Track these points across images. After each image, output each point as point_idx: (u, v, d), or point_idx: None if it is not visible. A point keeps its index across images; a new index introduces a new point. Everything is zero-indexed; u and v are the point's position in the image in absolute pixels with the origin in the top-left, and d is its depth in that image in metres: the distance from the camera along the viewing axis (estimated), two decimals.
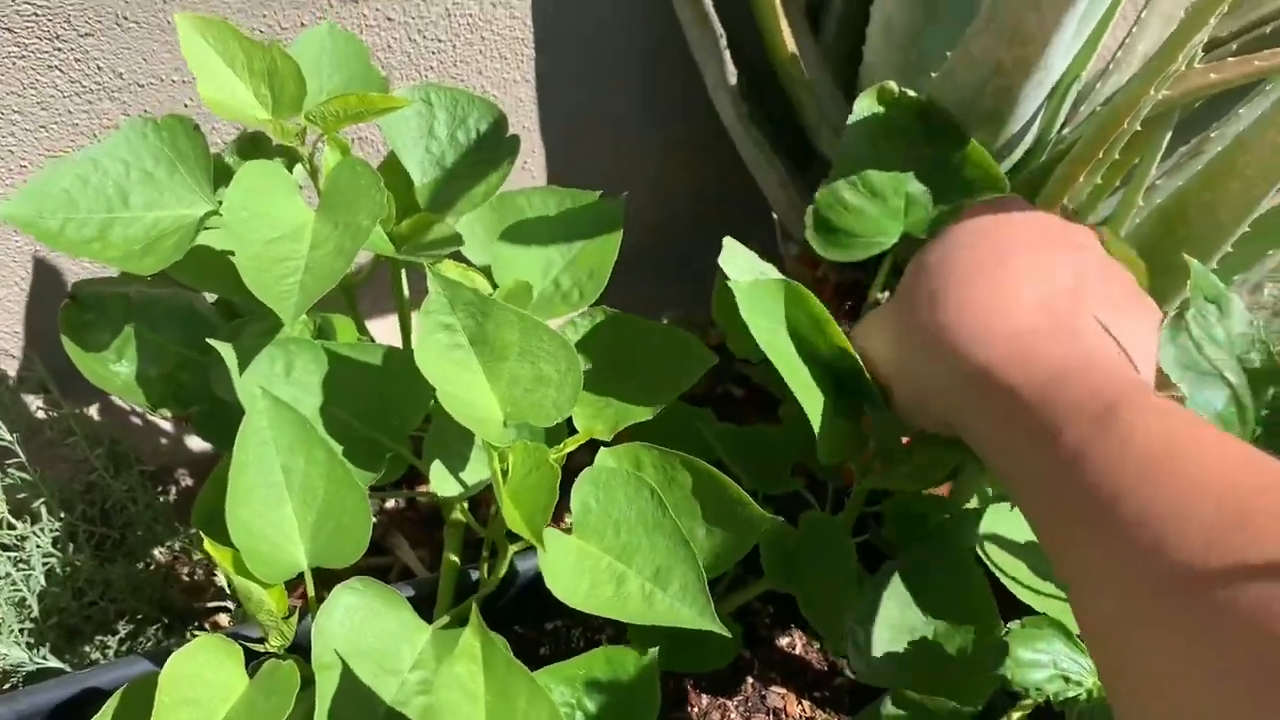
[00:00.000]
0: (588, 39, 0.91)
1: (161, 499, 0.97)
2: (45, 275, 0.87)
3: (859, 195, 0.66)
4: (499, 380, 0.57)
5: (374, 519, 0.59)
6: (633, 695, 0.59)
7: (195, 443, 0.99)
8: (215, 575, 0.98)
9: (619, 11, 0.90)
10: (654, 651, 0.60)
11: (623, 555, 0.57)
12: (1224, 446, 0.44)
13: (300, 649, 0.58)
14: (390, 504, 1.00)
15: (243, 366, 0.61)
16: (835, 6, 0.87)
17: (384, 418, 0.62)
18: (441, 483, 0.62)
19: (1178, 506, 0.40)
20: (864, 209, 0.67)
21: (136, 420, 0.98)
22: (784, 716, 0.77)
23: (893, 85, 0.65)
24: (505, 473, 0.56)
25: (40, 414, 0.88)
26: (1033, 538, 0.59)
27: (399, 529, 1.00)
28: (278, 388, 0.61)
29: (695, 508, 0.59)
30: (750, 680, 0.79)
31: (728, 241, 0.60)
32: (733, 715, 0.77)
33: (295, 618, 0.57)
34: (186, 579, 0.98)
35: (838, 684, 0.80)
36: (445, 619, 0.61)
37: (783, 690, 0.79)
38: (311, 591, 0.58)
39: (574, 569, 0.57)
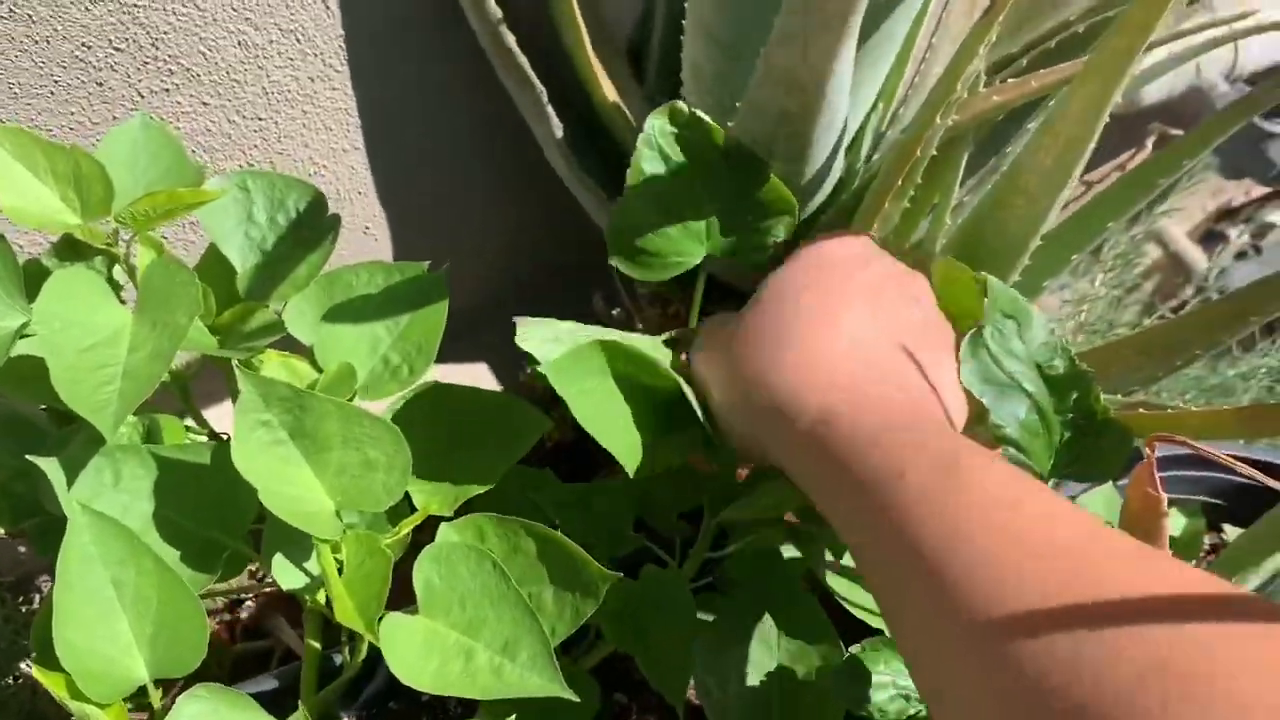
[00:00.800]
0: (420, 105, 0.91)
1: (24, 609, 0.94)
2: None
3: (655, 213, 0.68)
4: (325, 471, 0.57)
5: (250, 601, 0.58)
6: None
7: None
8: None
9: (452, 76, 0.91)
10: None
11: (470, 630, 0.57)
12: (1053, 503, 0.46)
13: None
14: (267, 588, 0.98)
15: (71, 479, 0.60)
16: (653, 52, 0.89)
17: (219, 516, 0.61)
18: (285, 575, 0.61)
19: (1015, 555, 0.42)
20: (664, 229, 0.68)
21: None
22: None
23: (683, 106, 0.67)
24: (341, 565, 0.56)
25: None
26: None
27: (278, 609, 0.99)
28: (106, 497, 0.60)
29: (541, 572, 0.60)
30: None
31: (518, 321, 0.61)
32: None
33: None
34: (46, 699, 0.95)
35: None
36: (302, 715, 0.60)
37: None
38: (157, 703, 0.57)
39: (422, 648, 0.57)
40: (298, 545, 0.62)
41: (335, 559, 0.57)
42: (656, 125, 0.67)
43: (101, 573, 0.56)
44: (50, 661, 0.55)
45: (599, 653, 0.67)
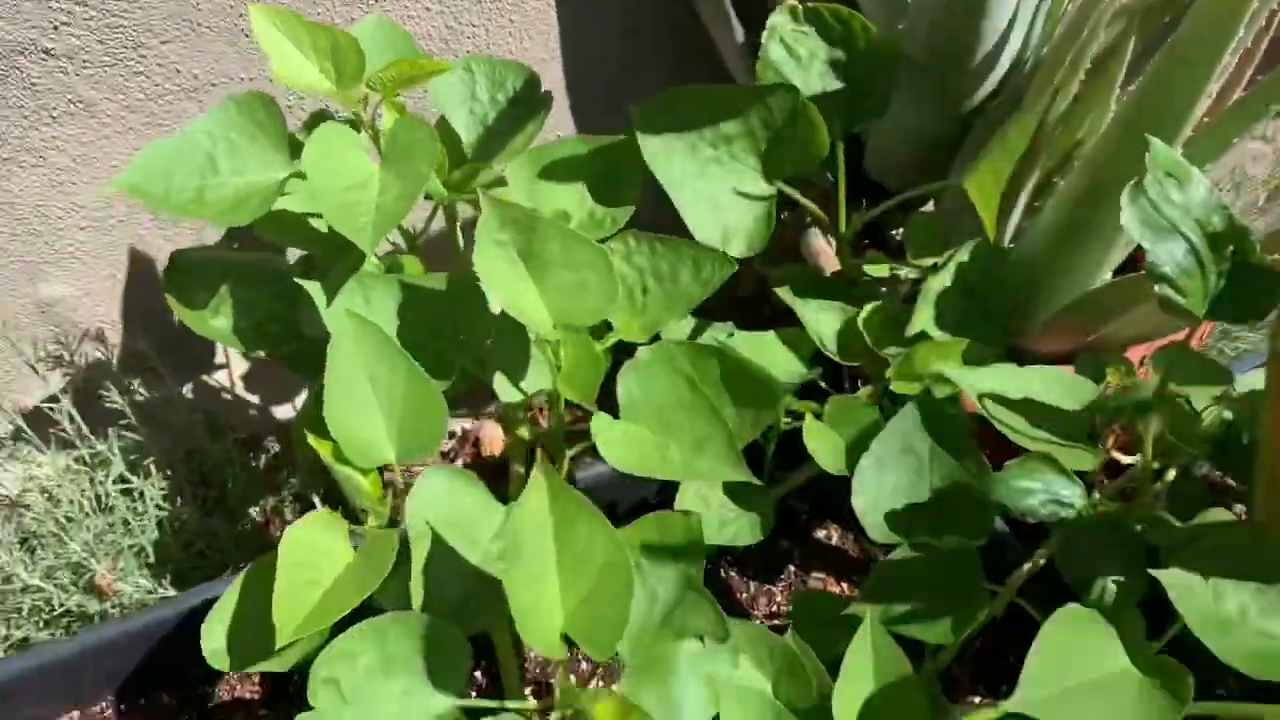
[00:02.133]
0: (610, 17, 1.00)
1: (254, 463, 1.07)
2: (140, 264, 0.98)
3: None
4: (546, 287, 0.67)
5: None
6: (682, 555, 0.67)
7: (281, 411, 1.10)
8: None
9: None
10: (697, 516, 0.68)
11: (665, 432, 0.66)
12: None
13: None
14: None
15: (328, 302, 0.71)
16: None
17: (452, 335, 0.72)
18: (505, 390, 0.71)
19: None
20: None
21: (227, 396, 1.09)
22: None
23: (798, 5, 0.75)
24: (558, 368, 0.65)
25: (141, 393, 0.98)
26: (1029, 394, 0.68)
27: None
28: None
29: (723, 391, 0.68)
30: (792, 569, 0.87)
31: None
32: (778, 598, 0.85)
33: (389, 499, 0.66)
34: (278, 536, 1.08)
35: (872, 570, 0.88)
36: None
37: (822, 575, 0.87)
38: (400, 479, 0.68)
39: (624, 446, 0.66)
40: (516, 367, 0.71)
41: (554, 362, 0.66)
42: (779, 21, 0.75)
43: (360, 369, 0.67)
44: (321, 434, 0.65)
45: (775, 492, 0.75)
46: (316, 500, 1.12)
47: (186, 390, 1.03)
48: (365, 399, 0.66)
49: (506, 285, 0.65)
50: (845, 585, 0.86)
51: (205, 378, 1.08)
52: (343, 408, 0.65)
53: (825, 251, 0.74)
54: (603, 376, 0.63)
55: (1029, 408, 0.67)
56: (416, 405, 0.66)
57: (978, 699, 0.80)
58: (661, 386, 0.67)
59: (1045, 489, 0.62)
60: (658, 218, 0.78)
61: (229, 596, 0.65)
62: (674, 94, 0.77)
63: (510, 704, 0.60)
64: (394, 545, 0.62)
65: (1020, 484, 0.62)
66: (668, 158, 0.75)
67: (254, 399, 1.10)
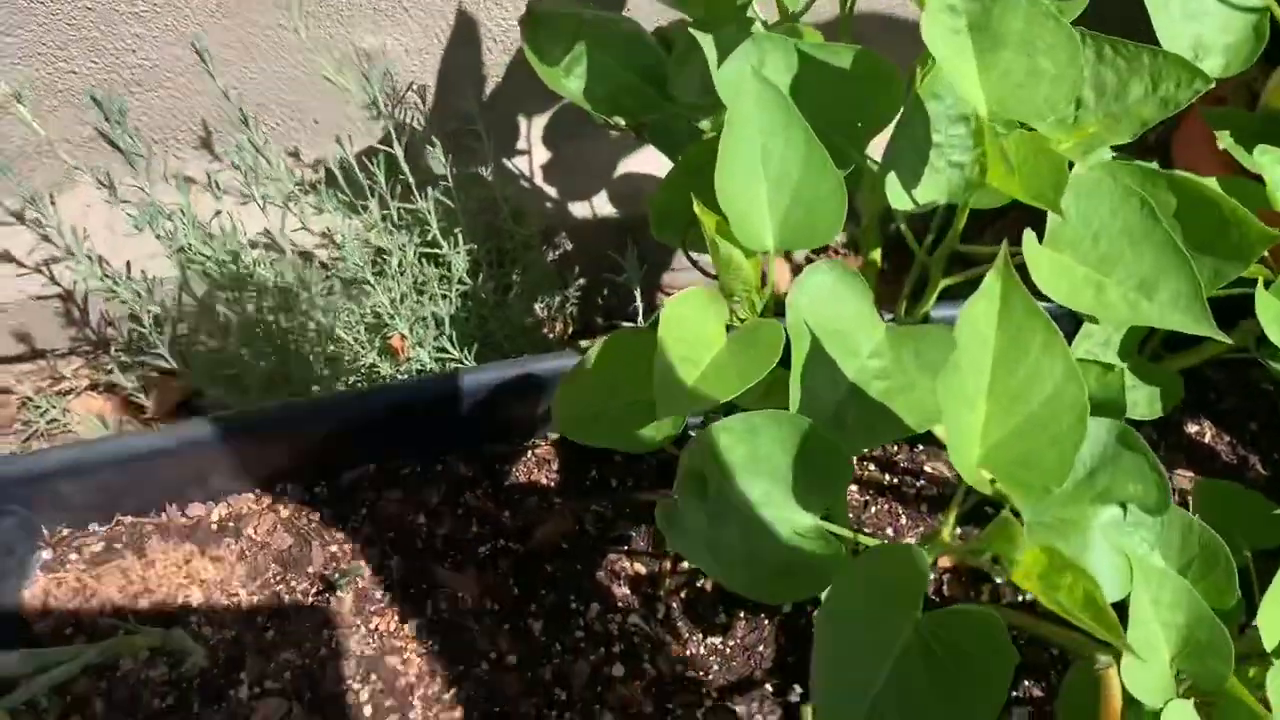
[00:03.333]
0: None
1: (549, 255, 1.03)
2: (464, 24, 0.93)
3: None
4: (990, 71, 0.56)
5: None
6: (1102, 408, 0.58)
7: (577, 208, 1.04)
8: (582, 341, 1.04)
9: None
10: (1119, 367, 0.58)
11: (1101, 266, 0.55)
12: None
13: None
14: None
15: (719, 62, 0.63)
16: None
17: (849, 122, 0.62)
18: (897, 197, 0.62)
19: None
20: None
21: (525, 184, 1.04)
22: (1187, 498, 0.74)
23: None
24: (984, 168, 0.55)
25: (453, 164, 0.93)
26: None
27: None
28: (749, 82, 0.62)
29: (1177, 229, 0.57)
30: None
31: None
32: None
33: (767, 291, 0.59)
34: (553, 337, 1.04)
35: (1249, 477, 0.76)
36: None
37: (1190, 473, 0.76)
38: (773, 274, 0.60)
39: (1048, 274, 0.56)
40: (912, 172, 0.62)
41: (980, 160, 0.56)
42: None
43: (756, 136, 0.58)
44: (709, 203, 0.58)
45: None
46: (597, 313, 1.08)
47: (490, 170, 0.98)
48: (752, 176, 0.58)
49: (946, 61, 0.55)
50: None
51: (507, 161, 1.03)
52: (735, 179, 0.57)
53: None
54: (1065, 178, 0.52)
55: None
56: (811, 189, 0.58)
57: None
58: (1106, 210, 0.56)
59: None
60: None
61: (582, 369, 0.59)
62: None
63: (867, 542, 0.53)
64: (780, 337, 0.54)
65: None
66: None
67: (551, 191, 1.05)
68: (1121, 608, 0.51)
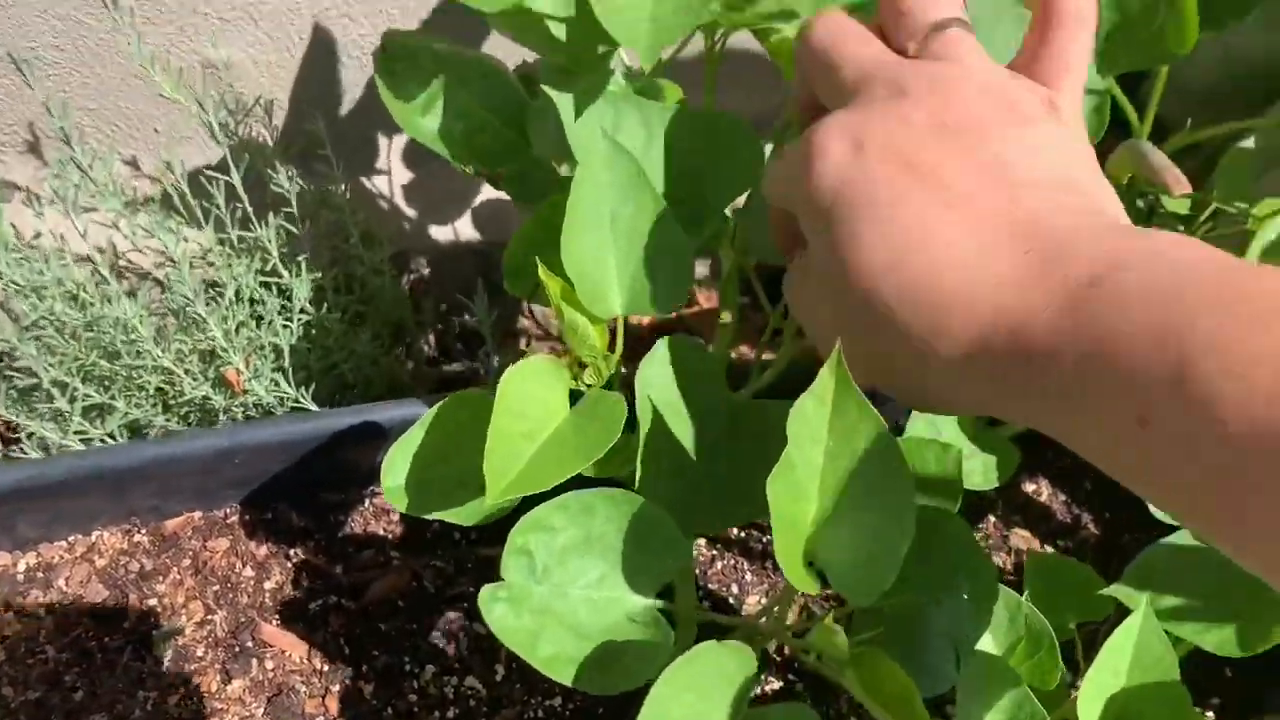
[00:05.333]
0: None
1: (401, 283, 0.99)
2: (320, 41, 0.88)
3: None
4: None
5: None
6: (936, 490, 0.58)
7: (436, 232, 1.01)
8: (443, 366, 1.01)
9: None
10: (956, 449, 0.59)
11: None
12: None
13: None
14: None
15: (576, 116, 0.61)
16: None
17: (707, 186, 0.61)
18: (752, 249, 0.62)
19: None
20: None
21: (382, 204, 1.00)
22: (1025, 557, 0.75)
23: None
24: None
25: (300, 183, 0.89)
26: None
27: None
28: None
29: None
30: (992, 520, 0.78)
31: None
32: None
33: (615, 357, 0.57)
34: (411, 365, 1.01)
35: (1082, 535, 0.78)
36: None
37: (1025, 533, 0.77)
38: (620, 339, 0.58)
39: None
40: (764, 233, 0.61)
41: None
42: None
43: (605, 201, 0.57)
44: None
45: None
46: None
47: (344, 191, 0.94)
48: (601, 241, 0.57)
49: None
50: (1049, 550, 0.77)
51: (364, 181, 0.99)
52: (583, 244, 0.56)
53: (1172, 168, 0.62)
54: None
55: None
56: (659, 255, 0.57)
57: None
58: None
59: None
60: None
61: (416, 430, 0.57)
62: None
63: (721, 618, 0.52)
64: (623, 411, 0.52)
65: None
66: (993, 25, 0.63)
67: (410, 213, 1.01)
68: None
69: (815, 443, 0.48)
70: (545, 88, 0.61)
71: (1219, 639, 0.55)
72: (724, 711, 0.47)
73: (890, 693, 0.46)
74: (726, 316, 0.69)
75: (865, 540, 0.47)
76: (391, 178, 1.00)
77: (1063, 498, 0.80)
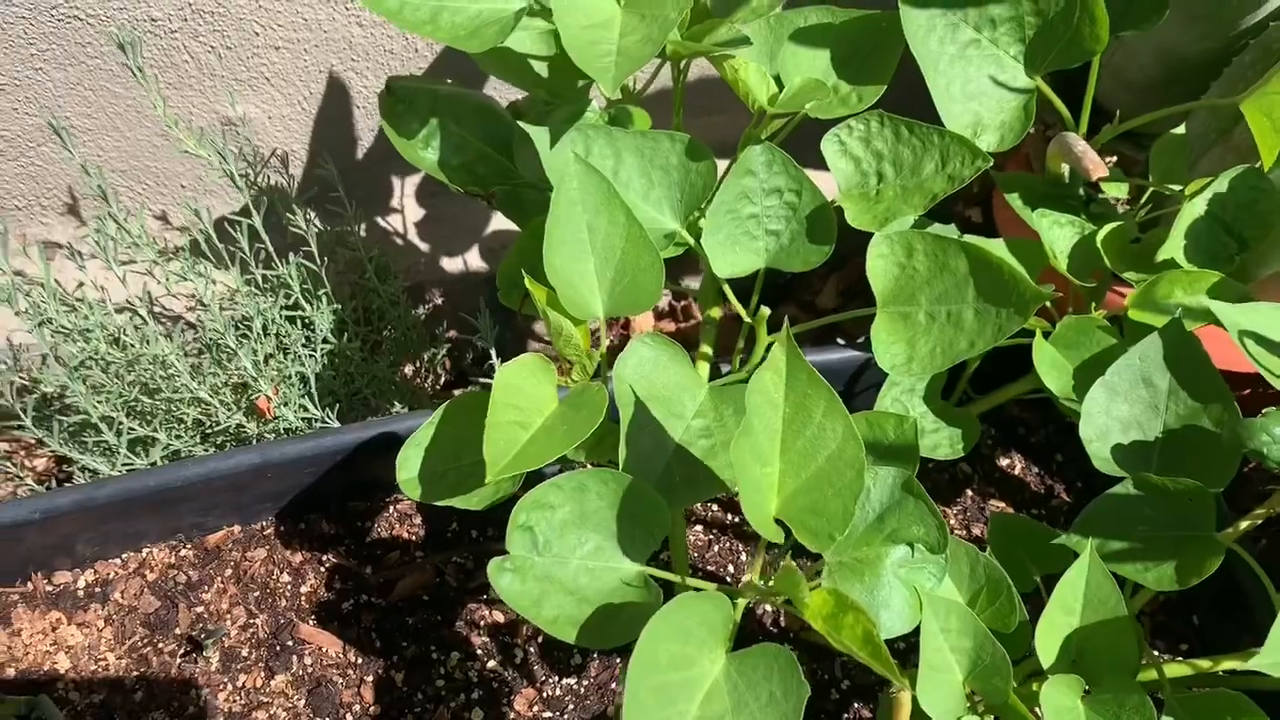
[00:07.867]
0: None
1: (415, 312, 1.06)
2: (332, 92, 0.96)
3: None
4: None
5: None
6: (894, 456, 0.64)
7: (448, 264, 1.08)
8: (456, 389, 1.08)
9: None
10: (912, 418, 0.65)
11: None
12: None
13: None
14: None
15: (551, 145, 0.68)
16: None
17: (672, 201, 0.68)
18: (719, 265, 0.68)
19: None
20: None
21: (398, 240, 1.07)
22: None
23: None
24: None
25: (318, 225, 0.97)
26: None
27: None
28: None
29: (967, 290, 0.63)
30: (970, 493, 0.84)
31: None
32: (952, 521, 0.82)
33: (598, 355, 0.63)
34: (429, 390, 1.08)
35: (1054, 504, 0.84)
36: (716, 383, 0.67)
37: (1001, 504, 0.83)
38: (605, 339, 0.65)
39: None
40: (732, 235, 0.68)
41: None
42: None
43: (580, 215, 0.63)
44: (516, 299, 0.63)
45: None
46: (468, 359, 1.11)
47: (360, 229, 1.02)
48: (581, 251, 0.63)
49: None
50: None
51: (380, 219, 1.07)
52: (562, 254, 0.62)
53: (1090, 154, 0.68)
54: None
55: None
56: (634, 262, 0.63)
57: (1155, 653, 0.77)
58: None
59: None
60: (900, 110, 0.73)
61: (426, 429, 0.64)
62: None
63: (693, 582, 0.58)
64: (605, 399, 0.59)
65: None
66: (928, 33, 0.69)
67: (423, 247, 1.08)
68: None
69: (774, 409, 0.54)
70: (522, 125, 0.68)
71: (1158, 575, 0.61)
72: (706, 653, 0.53)
73: (855, 633, 0.52)
74: (715, 313, 0.75)
75: (821, 492, 0.53)
76: (405, 215, 1.08)
77: (1036, 470, 0.85)
